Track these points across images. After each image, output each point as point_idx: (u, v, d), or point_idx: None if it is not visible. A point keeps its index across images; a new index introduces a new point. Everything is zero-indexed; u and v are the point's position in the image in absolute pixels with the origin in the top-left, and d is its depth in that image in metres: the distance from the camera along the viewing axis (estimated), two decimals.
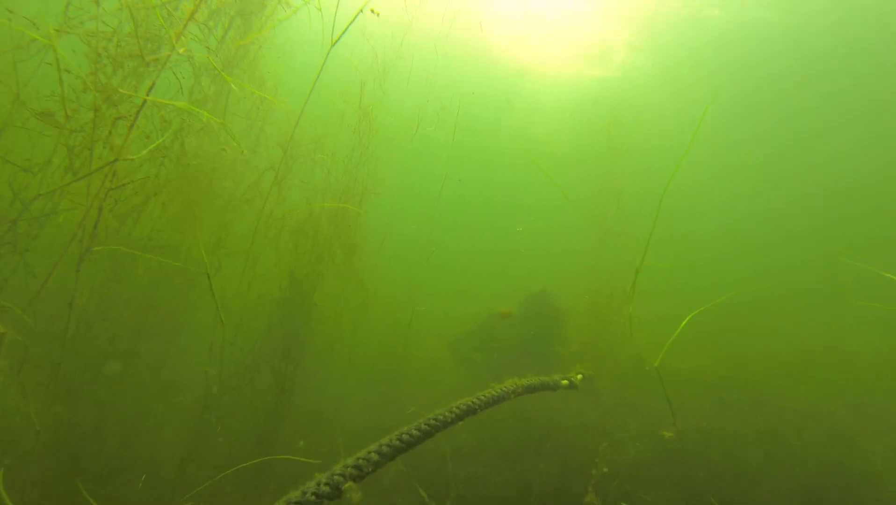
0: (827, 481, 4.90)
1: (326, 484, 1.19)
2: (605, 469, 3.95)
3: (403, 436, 1.56)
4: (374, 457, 1.39)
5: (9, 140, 3.39)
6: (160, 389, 5.08)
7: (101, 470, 3.82)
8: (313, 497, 1.15)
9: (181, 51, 2.27)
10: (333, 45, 3.27)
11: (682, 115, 18.56)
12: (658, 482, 4.82)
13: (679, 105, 17.96)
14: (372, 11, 3.35)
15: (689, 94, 17.59)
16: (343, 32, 3.35)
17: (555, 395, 4.29)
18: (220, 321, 4.61)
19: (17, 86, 3.02)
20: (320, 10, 4.03)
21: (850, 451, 5.47)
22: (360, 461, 1.34)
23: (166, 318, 4.69)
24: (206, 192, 5.36)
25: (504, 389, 2.42)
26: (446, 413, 1.80)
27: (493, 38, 13.25)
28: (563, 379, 3.73)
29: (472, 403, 2.01)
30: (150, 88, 2.41)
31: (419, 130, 5.90)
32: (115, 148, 2.23)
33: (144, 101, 2.32)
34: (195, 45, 4.10)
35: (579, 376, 3.98)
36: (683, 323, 2.93)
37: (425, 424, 1.66)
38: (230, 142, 4.01)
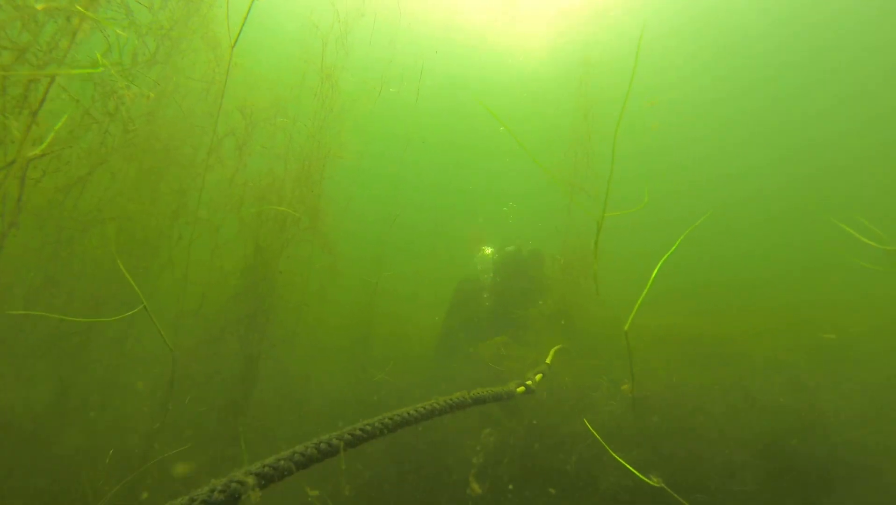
0: (786, 428, 5.08)
1: (221, 491, 1.14)
2: (482, 459, 3.93)
3: (321, 445, 1.51)
4: (284, 464, 1.35)
5: None
6: (124, 363, 5.01)
7: (65, 447, 3.79)
8: None
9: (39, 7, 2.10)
10: None
11: (657, 70, 18.50)
12: (629, 439, 4.96)
13: (652, 62, 17.86)
14: None
15: (661, 52, 17.49)
16: None
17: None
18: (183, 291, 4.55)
19: None
20: None
21: (808, 400, 5.67)
22: (266, 468, 1.30)
23: (125, 290, 4.58)
24: (163, 159, 5.19)
25: (449, 401, 2.27)
26: (376, 424, 1.74)
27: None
28: (519, 386, 3.52)
29: (408, 414, 1.93)
30: (67, 50, 2.26)
31: (382, 91, 5.75)
32: (30, 115, 2.10)
33: (53, 79, 2.18)
34: (137, 4, 3.88)
35: (538, 377, 3.84)
36: (650, 282, 2.94)
37: (349, 435, 1.61)
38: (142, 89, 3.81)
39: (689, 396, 5.76)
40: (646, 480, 3.15)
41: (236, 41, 3.94)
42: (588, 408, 5.01)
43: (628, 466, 3.01)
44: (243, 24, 3.92)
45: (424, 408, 2.08)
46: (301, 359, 5.21)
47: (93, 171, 3.74)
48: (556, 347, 4.60)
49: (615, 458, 3.12)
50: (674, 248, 2.84)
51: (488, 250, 6.76)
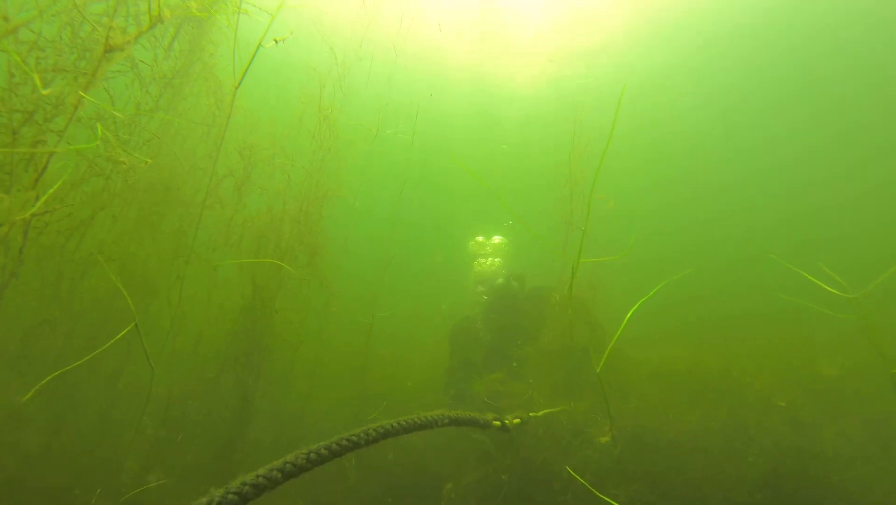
0: (785, 467, 5.08)
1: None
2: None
3: (311, 455, 1.57)
4: (277, 475, 1.40)
5: None
6: (117, 399, 5.03)
7: (54, 482, 3.79)
8: None
9: (46, 93, 2.23)
10: (258, 47, 3.24)
11: (645, 118, 18.91)
12: (626, 475, 4.94)
13: (642, 108, 18.27)
14: (275, 41, 3.36)
15: (650, 97, 17.92)
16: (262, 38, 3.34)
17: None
18: (173, 326, 4.60)
19: None
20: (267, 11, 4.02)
21: (806, 437, 5.67)
22: (259, 479, 1.35)
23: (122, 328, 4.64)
24: (163, 200, 5.31)
25: (428, 417, 2.36)
26: (361, 434, 1.80)
27: (453, 39, 13.28)
28: (496, 420, 3.60)
29: (392, 426, 1.99)
30: (67, 125, 2.38)
31: (379, 132, 5.91)
32: (34, 177, 2.21)
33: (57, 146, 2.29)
34: (142, 54, 4.05)
35: (516, 420, 3.91)
36: (626, 319, 2.99)
37: (336, 444, 1.67)
38: (128, 154, 3.95)
39: (687, 432, 5.75)
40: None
41: (240, 84, 4.08)
42: (584, 445, 5.01)
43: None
44: (247, 69, 4.06)
45: (405, 421, 2.15)
46: (296, 398, 5.22)
47: (94, 215, 3.84)
48: (546, 411, 4.61)
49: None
50: (651, 294, 2.90)
51: (489, 282, 6.73)
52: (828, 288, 3.56)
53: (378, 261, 5.30)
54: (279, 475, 1.43)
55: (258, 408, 4.73)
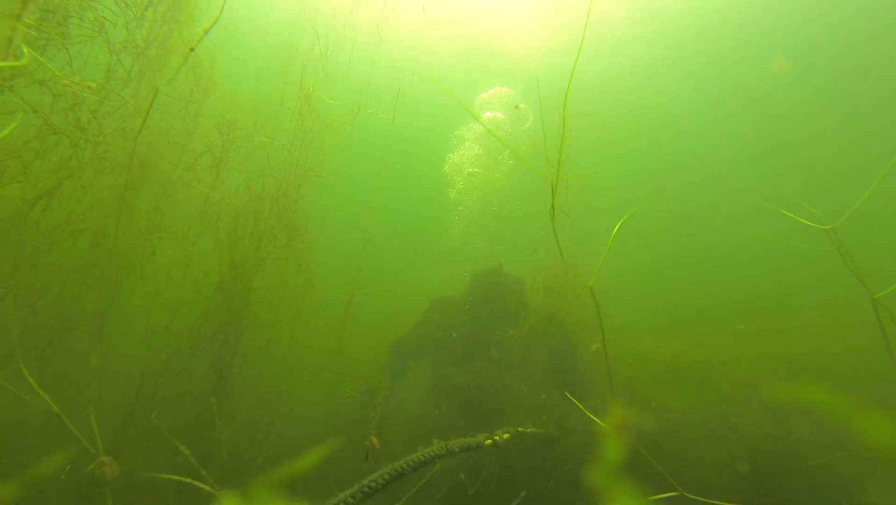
0: (763, 453, 5.16)
1: None
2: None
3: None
4: None
5: None
6: (89, 377, 4.94)
7: (21, 463, 3.72)
8: None
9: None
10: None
11: (637, 90, 18.95)
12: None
13: (632, 82, 18.33)
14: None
15: (639, 71, 17.97)
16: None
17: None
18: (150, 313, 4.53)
19: None
20: None
21: (783, 425, 5.74)
22: None
23: (95, 304, 4.55)
24: (139, 175, 5.21)
25: (425, 455, 2.38)
26: (357, 491, 1.78)
27: (435, 21, 13.21)
28: (487, 439, 3.66)
29: (396, 471, 1.98)
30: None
31: (360, 112, 5.85)
32: None
33: None
34: (112, 21, 3.96)
35: (506, 435, 3.95)
36: (609, 243, 3.00)
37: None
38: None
39: (670, 420, 5.79)
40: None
41: (195, 47, 3.97)
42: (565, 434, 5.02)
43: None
44: (209, 30, 3.97)
45: (406, 464, 2.15)
46: (273, 376, 5.17)
47: (61, 183, 3.75)
48: (532, 429, 4.60)
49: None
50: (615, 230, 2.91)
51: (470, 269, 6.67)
52: (806, 222, 3.55)
53: (357, 242, 5.24)
54: None
55: (234, 385, 4.68)
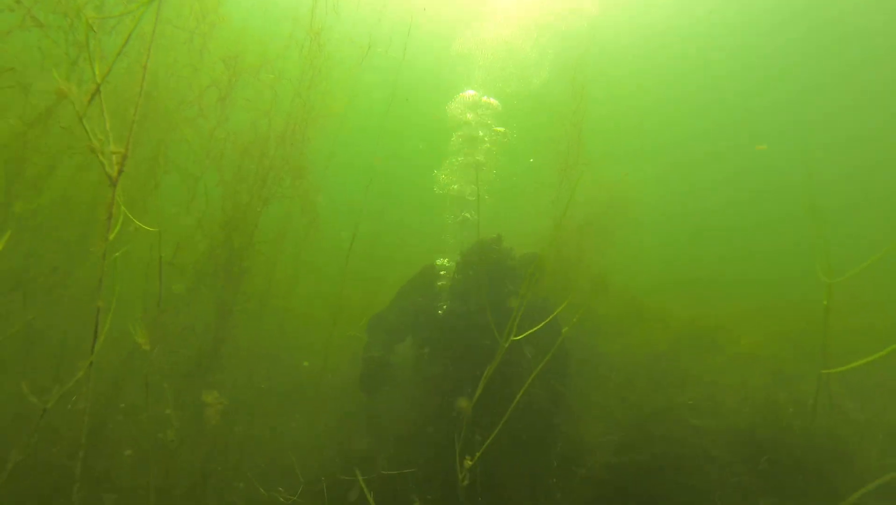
0: (762, 417, 5.18)
1: None
2: None
3: None
4: None
5: None
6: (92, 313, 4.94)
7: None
8: None
9: None
10: None
11: (651, 55, 18.45)
12: (616, 422, 4.98)
13: (647, 47, 17.83)
14: None
15: (658, 37, 17.46)
16: None
17: None
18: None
19: None
20: None
21: (786, 390, 5.74)
22: None
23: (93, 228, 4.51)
24: (143, 107, 5.11)
25: None
26: None
27: None
28: None
29: None
30: None
31: (370, 50, 5.67)
32: None
33: None
34: None
35: None
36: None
37: None
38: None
39: (674, 384, 5.80)
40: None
41: None
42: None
43: None
44: None
45: None
46: (275, 313, 5.16)
47: (59, 102, 3.65)
48: None
49: None
50: None
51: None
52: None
53: (362, 183, 5.14)
54: None
55: (235, 322, 4.66)
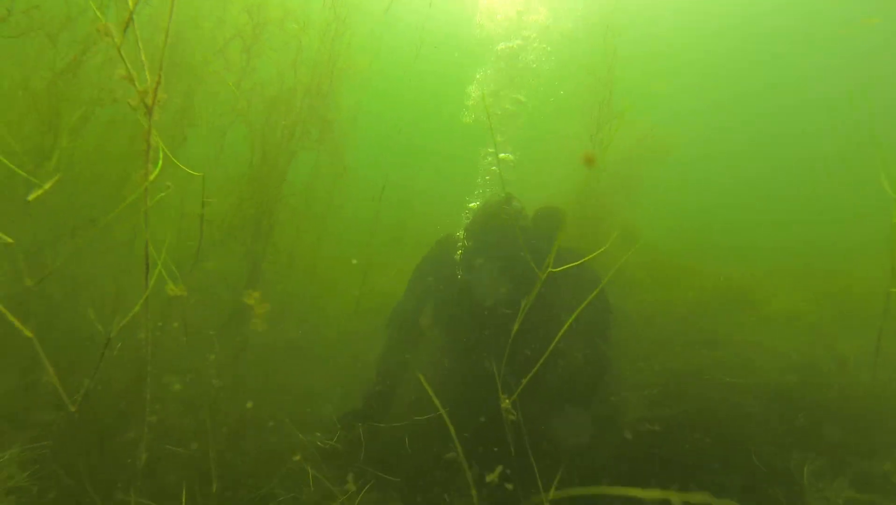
0: (800, 378, 5.05)
1: None
2: None
3: None
4: None
5: None
6: (132, 265, 5.00)
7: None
8: None
9: None
10: None
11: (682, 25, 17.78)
12: (644, 380, 4.89)
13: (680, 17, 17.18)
14: None
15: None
16: None
17: None
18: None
19: None
20: None
21: (824, 349, 5.60)
22: None
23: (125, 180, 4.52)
24: (168, 59, 5.06)
25: None
26: None
27: None
28: None
29: None
30: None
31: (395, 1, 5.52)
32: None
33: None
34: None
35: None
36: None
37: None
38: None
39: (707, 342, 5.68)
40: None
41: None
42: None
43: None
44: None
45: None
46: (303, 265, 5.16)
47: (87, 49, 3.62)
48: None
49: None
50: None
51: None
52: None
53: (390, 133, 5.06)
54: None
55: (265, 274, 4.66)
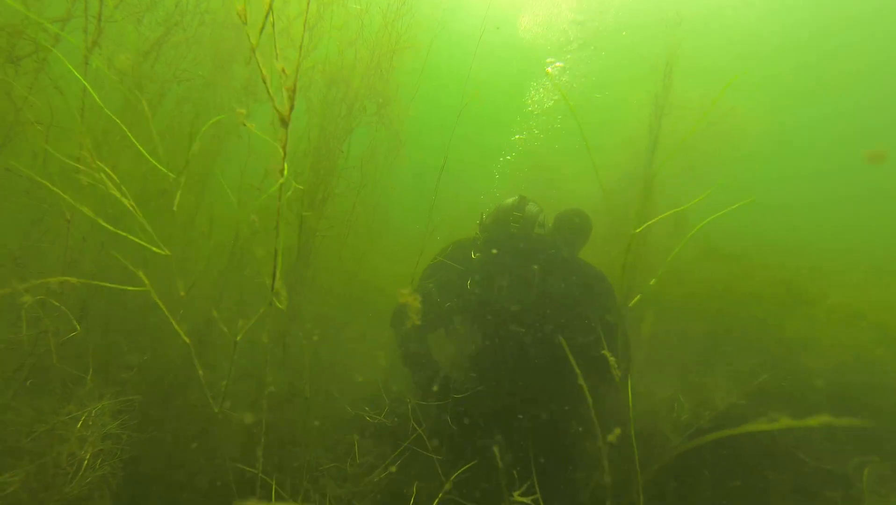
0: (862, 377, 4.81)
1: None
2: None
3: None
4: None
5: None
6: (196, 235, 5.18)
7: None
8: None
9: None
10: None
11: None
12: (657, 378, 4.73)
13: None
14: None
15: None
16: None
17: None
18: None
19: None
20: None
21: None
22: None
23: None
24: (235, 36, 5.22)
25: None
26: None
27: None
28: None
29: None
30: None
31: None
32: None
33: None
34: None
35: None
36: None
37: None
38: None
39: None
40: None
41: None
42: None
43: None
44: None
45: None
46: (358, 237, 5.20)
47: (168, 32, 3.80)
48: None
49: None
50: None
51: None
52: None
53: (450, 110, 5.00)
54: None
55: (317, 248, 4.72)
